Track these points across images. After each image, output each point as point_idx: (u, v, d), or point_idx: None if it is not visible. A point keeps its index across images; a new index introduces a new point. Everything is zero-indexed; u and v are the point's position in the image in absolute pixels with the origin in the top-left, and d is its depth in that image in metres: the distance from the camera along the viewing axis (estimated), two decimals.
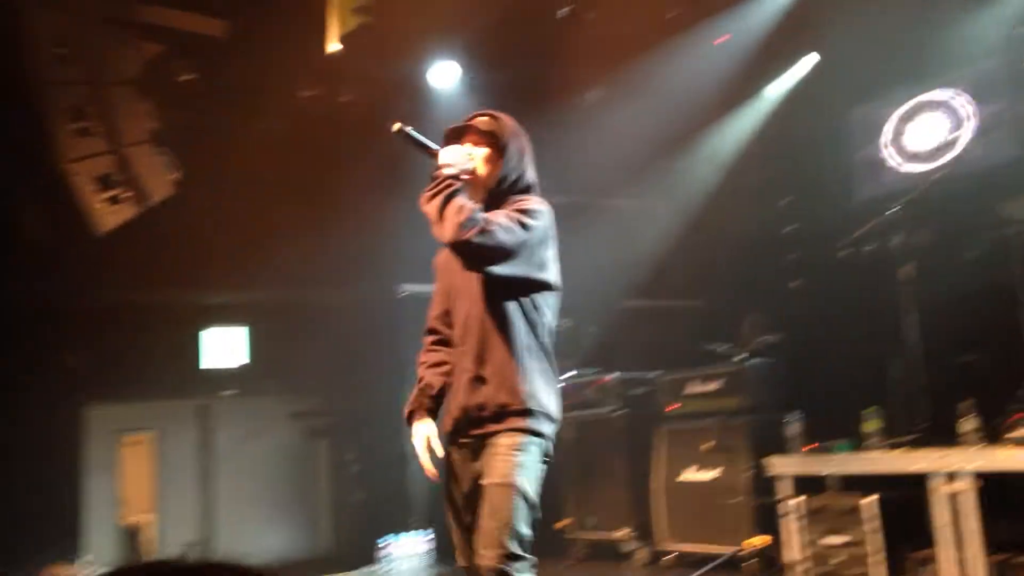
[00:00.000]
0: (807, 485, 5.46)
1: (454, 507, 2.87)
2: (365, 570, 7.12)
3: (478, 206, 2.78)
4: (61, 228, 6.08)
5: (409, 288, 7.63)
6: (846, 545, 5.13)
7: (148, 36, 6.24)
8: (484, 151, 2.94)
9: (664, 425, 6.38)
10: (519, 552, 2.62)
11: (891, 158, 6.11)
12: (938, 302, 5.40)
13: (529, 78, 6.77)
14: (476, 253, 2.70)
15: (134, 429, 7.27)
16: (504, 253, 2.71)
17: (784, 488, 5.47)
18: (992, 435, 4.63)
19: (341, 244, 7.01)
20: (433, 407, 2.96)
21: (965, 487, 4.52)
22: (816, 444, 5.43)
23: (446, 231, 2.66)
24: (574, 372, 7.05)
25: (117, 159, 6.06)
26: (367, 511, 7.52)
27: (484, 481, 2.71)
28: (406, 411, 2.99)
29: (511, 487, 2.64)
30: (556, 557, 6.71)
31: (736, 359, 5.83)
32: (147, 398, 7.07)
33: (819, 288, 6.25)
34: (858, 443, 5.28)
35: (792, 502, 5.40)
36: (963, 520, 4.53)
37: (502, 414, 2.75)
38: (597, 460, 6.69)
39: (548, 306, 2.90)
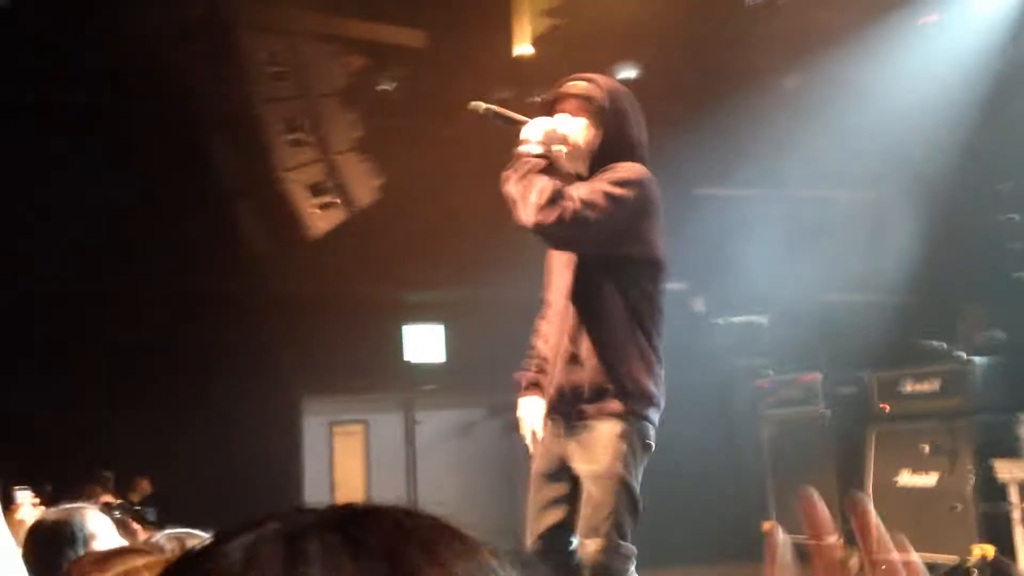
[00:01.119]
0: None
1: (535, 482, 2.75)
2: (566, 562, 7.20)
3: (559, 184, 2.56)
4: (279, 232, 6.53)
5: None
6: None
7: (352, 50, 6.58)
8: (581, 119, 2.72)
9: (875, 426, 6.06)
10: (620, 544, 2.53)
11: None
12: None
13: (720, 70, 6.62)
14: (557, 235, 2.57)
15: (346, 421, 7.70)
16: (588, 231, 2.54)
17: (1013, 494, 5.07)
18: None
19: (533, 239, 7.11)
20: (542, 383, 2.81)
21: None
22: None
23: (525, 214, 2.52)
24: (771, 369, 6.83)
25: (326, 167, 6.43)
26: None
27: (584, 469, 2.59)
28: (520, 380, 2.87)
29: (613, 478, 2.54)
30: (757, 559, 6.51)
31: (957, 356, 5.44)
32: (356, 391, 7.46)
33: None
34: None
35: (1022, 509, 5.00)
36: None
37: (599, 396, 2.60)
38: (802, 461, 6.45)
39: (650, 282, 2.70)
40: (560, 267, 2.78)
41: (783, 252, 7.20)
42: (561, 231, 2.51)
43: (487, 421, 8.19)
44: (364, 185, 6.66)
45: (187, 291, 6.47)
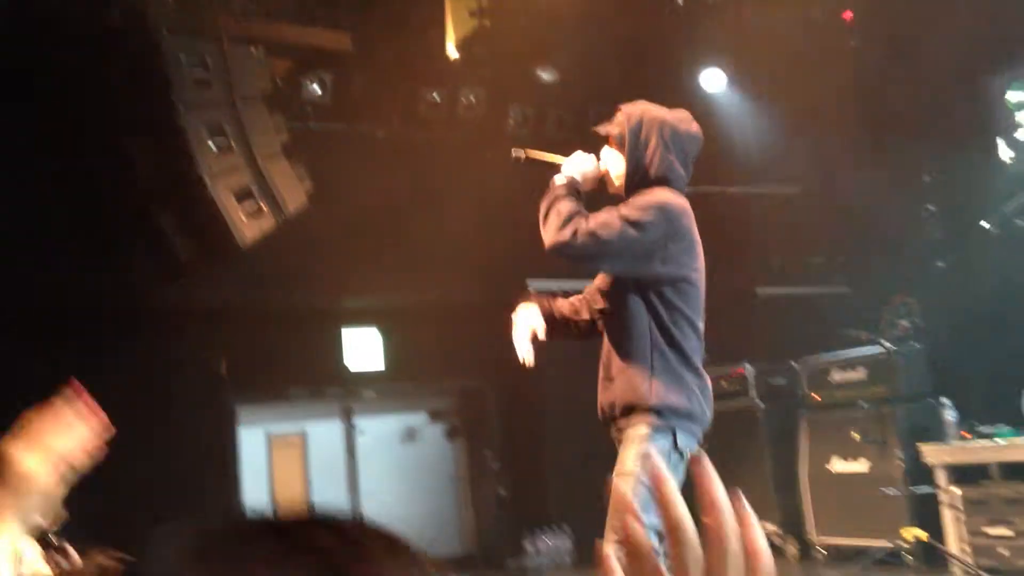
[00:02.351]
0: (964, 474, 5.19)
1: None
2: (511, 566, 7.19)
3: (576, 208, 2.79)
4: (208, 241, 6.40)
5: (537, 285, 7.66)
6: (1016, 536, 4.84)
7: (277, 52, 6.48)
8: (613, 151, 2.96)
9: (806, 415, 6.18)
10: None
11: None
12: None
13: (646, 69, 6.69)
14: (573, 255, 2.76)
15: (284, 432, 7.58)
16: (605, 252, 2.74)
17: (940, 478, 5.21)
18: None
19: (471, 243, 7.10)
20: (548, 307, 3.05)
21: None
22: (973, 431, 5.15)
23: (545, 236, 2.77)
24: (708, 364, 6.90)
25: (254, 172, 6.31)
26: (508, 508, 7.60)
27: (614, 475, 2.75)
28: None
29: (631, 475, 2.68)
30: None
31: (882, 346, 5.58)
32: (293, 400, 7.35)
33: (969, 267, 5.91)
34: (1020, 429, 4.97)
35: (950, 492, 5.14)
36: None
37: (628, 412, 2.78)
38: (736, 452, 6.54)
39: (685, 300, 2.83)
40: (601, 291, 2.99)
41: (712, 247, 7.29)
42: (576, 250, 2.72)
43: (428, 426, 8.14)
44: (294, 190, 6.55)
45: (114, 303, 6.31)
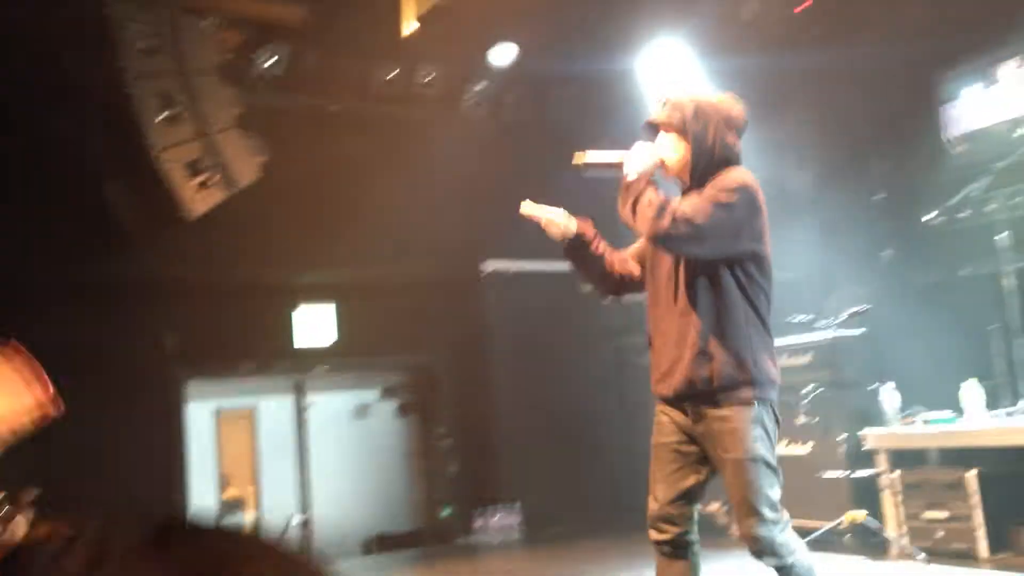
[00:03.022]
0: (903, 458, 5.33)
1: (659, 453, 3.05)
2: (459, 543, 7.24)
3: (667, 196, 2.90)
4: (156, 213, 6.29)
5: (493, 265, 7.67)
6: (949, 520, 5.00)
7: (230, 25, 6.36)
8: (672, 136, 3.04)
9: None
10: (773, 515, 2.85)
11: (983, 119, 5.82)
12: None
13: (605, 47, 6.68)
14: (673, 242, 2.86)
15: (233, 406, 7.52)
16: (702, 236, 2.84)
17: (881, 462, 5.35)
18: None
19: (426, 221, 7.07)
20: (585, 228, 3.17)
21: None
22: (913, 417, 5.29)
23: (641, 227, 2.88)
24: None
25: (205, 145, 6.20)
26: (459, 485, 7.64)
27: (727, 456, 2.86)
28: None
29: (754, 460, 2.83)
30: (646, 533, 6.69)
31: (826, 331, 5.69)
32: (244, 374, 7.29)
33: (913, 257, 6.04)
34: (958, 416, 5.12)
35: (890, 476, 5.28)
36: None
37: (731, 386, 2.87)
38: None
39: (764, 274, 2.98)
40: (669, 262, 3.03)
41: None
42: (676, 237, 2.83)
43: (380, 403, 8.14)
44: (246, 164, 6.45)
45: (63, 276, 6.18)
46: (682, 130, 3.01)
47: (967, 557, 4.90)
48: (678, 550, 3.03)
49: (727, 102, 3.07)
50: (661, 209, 2.82)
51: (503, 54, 6.72)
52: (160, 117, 6.05)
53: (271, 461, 7.54)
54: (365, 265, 7.23)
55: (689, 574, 3.03)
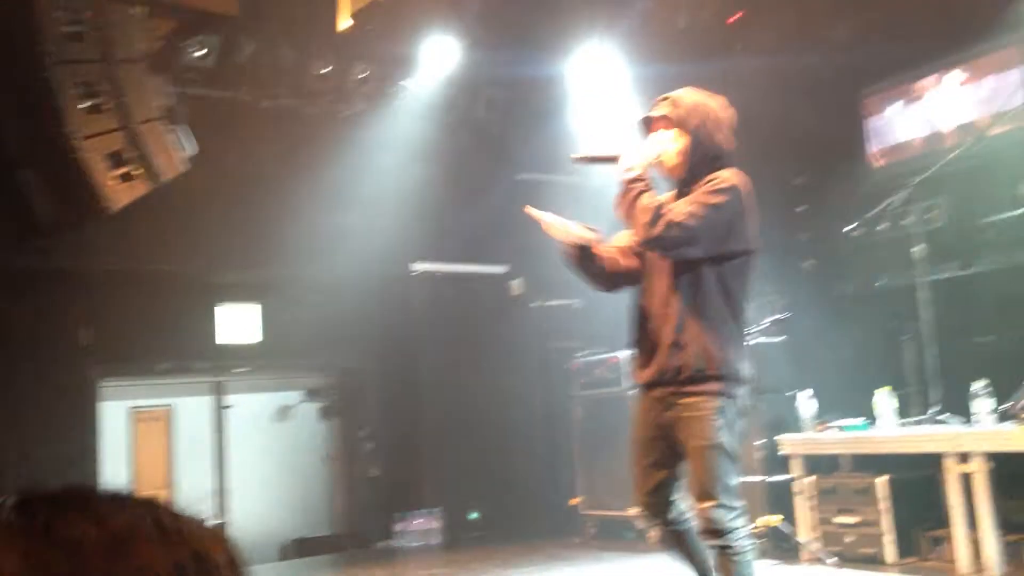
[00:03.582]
0: (819, 464, 5.46)
1: (637, 446, 3.22)
2: (379, 547, 7.16)
3: (659, 201, 3.00)
4: (73, 204, 6.09)
5: (422, 267, 7.64)
6: (858, 524, 5.13)
7: (160, 13, 6.22)
8: (670, 134, 3.14)
9: None
10: (728, 501, 2.99)
11: (904, 134, 6.03)
12: (953, 281, 5.36)
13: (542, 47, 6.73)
14: (666, 246, 2.99)
15: (148, 405, 7.32)
16: (694, 239, 2.96)
17: (796, 467, 5.47)
18: (1005, 416, 4.61)
19: (354, 221, 7.01)
20: (592, 239, 3.22)
21: (978, 467, 4.51)
22: (828, 424, 5.42)
23: (636, 232, 3.01)
24: (585, 351, 7.05)
25: (128, 136, 6.04)
26: (380, 489, 7.56)
27: (691, 443, 3.01)
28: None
29: (715, 448, 2.97)
30: (568, 534, 6.73)
31: (748, 338, 5.80)
32: (162, 374, 7.10)
33: (832, 268, 6.21)
34: (871, 423, 5.27)
35: (804, 481, 5.40)
36: (976, 500, 4.52)
37: (698, 378, 3.01)
38: (609, 439, 6.70)
39: (745, 273, 3.10)
40: (655, 267, 3.16)
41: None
42: (669, 242, 2.95)
43: (303, 404, 8.01)
44: (171, 157, 6.30)
45: None
46: (682, 126, 3.10)
47: (875, 562, 5.03)
48: (668, 527, 3.23)
49: (722, 103, 3.19)
50: (655, 216, 2.93)
51: (437, 53, 6.72)
52: (82, 106, 5.88)
53: (187, 462, 7.35)
54: (292, 264, 7.12)
55: (686, 542, 3.20)
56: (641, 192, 2.98)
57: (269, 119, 7.00)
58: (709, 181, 3.03)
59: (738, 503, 3.04)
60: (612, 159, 3.08)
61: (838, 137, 6.22)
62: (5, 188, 5.90)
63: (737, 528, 3.01)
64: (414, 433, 7.61)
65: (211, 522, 0.53)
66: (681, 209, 2.96)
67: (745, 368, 3.09)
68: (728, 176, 3.05)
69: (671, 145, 3.12)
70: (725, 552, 3.01)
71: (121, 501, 0.53)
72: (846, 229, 5.21)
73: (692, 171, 3.10)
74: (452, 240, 7.56)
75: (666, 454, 3.14)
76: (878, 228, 5.30)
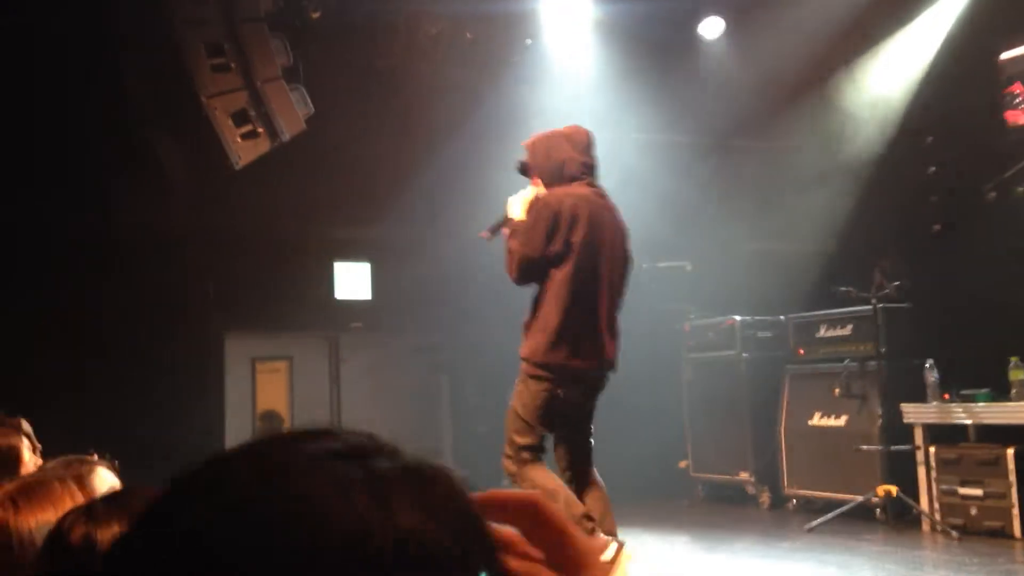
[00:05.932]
0: (941, 434, 5.27)
1: (561, 427, 3.92)
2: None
3: (514, 247, 3.69)
4: (202, 162, 6.32)
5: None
6: (984, 497, 4.94)
7: None
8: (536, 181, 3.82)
9: (791, 369, 6.24)
10: (515, 449, 3.79)
11: None
12: None
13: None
14: (525, 281, 3.72)
15: (270, 357, 7.60)
16: (531, 267, 3.64)
17: (919, 436, 5.30)
18: None
19: (464, 183, 7.05)
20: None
21: None
22: (953, 393, 5.22)
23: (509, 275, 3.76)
24: (693, 315, 6.95)
25: (252, 95, 6.22)
26: (488, 445, 7.67)
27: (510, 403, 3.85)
28: None
29: (511, 409, 3.83)
30: (677, 495, 6.70)
31: (870, 303, 5.60)
32: (281, 328, 7.35)
33: (963, 232, 5.92)
34: (1000, 393, 5.04)
35: (927, 451, 5.23)
36: None
37: (523, 357, 3.80)
38: (719, 402, 6.62)
39: (568, 273, 3.62)
40: None
41: (711, 200, 7.30)
42: (523, 277, 3.70)
43: (413, 359, 8.17)
44: (292, 116, 6.47)
45: (104, 226, 6.23)
46: (533, 166, 3.77)
47: (1001, 535, 4.85)
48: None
49: (563, 132, 3.76)
50: (511, 261, 3.65)
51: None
52: (207, 65, 6.07)
53: (305, 413, 7.62)
54: (403, 222, 7.22)
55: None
56: (508, 239, 3.69)
57: (385, 79, 7.08)
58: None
59: (523, 453, 3.82)
60: (508, 222, 3.71)
61: (971, 95, 5.89)
62: (137, 148, 6.16)
63: (524, 473, 3.80)
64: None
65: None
66: (515, 248, 3.63)
67: (560, 358, 3.70)
68: (539, 198, 3.67)
69: (536, 183, 3.75)
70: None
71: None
72: (982, 190, 4.95)
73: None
74: None
75: None
76: (1017, 191, 5.01)
